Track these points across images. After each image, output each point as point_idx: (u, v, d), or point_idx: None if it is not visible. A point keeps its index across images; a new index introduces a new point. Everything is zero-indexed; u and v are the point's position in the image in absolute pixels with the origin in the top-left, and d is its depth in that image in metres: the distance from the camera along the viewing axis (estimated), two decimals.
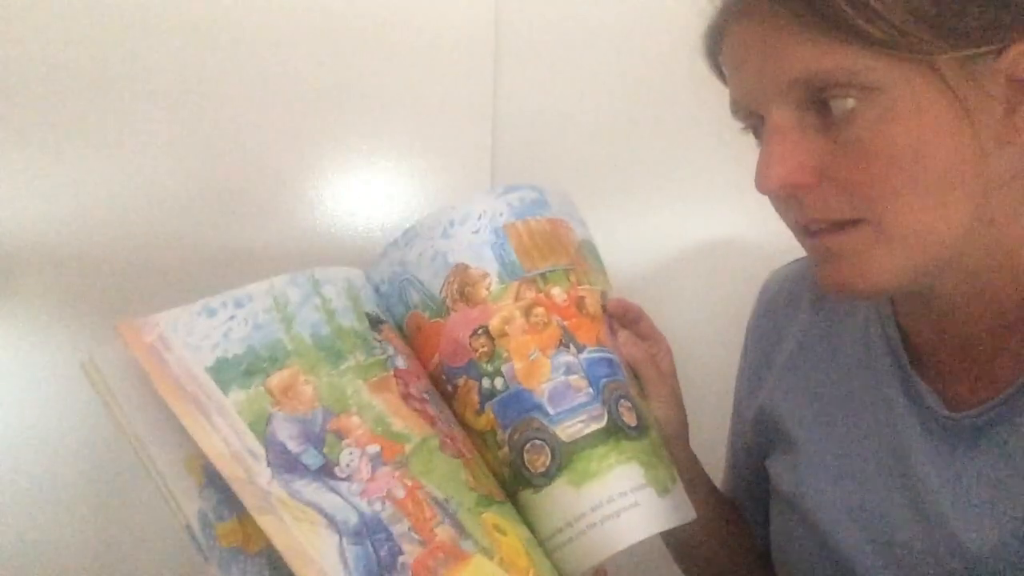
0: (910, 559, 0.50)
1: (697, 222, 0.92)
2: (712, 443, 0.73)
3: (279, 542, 0.40)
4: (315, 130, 0.81)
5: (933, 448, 0.50)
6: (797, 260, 0.67)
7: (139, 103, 0.77)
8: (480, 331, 0.54)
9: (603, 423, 0.52)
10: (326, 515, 0.43)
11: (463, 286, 0.54)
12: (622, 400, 0.54)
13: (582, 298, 0.56)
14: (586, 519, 0.50)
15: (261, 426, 0.45)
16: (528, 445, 0.52)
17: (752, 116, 0.49)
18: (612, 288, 0.62)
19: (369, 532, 0.43)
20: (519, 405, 0.52)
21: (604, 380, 0.54)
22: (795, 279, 0.66)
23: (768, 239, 0.86)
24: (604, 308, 0.59)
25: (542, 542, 0.51)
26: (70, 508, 0.77)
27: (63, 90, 0.75)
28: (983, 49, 0.41)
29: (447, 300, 0.54)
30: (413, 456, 0.49)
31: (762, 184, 0.46)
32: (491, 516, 0.50)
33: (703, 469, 0.67)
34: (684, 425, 0.63)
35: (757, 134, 0.50)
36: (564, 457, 0.51)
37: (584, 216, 0.63)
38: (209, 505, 0.44)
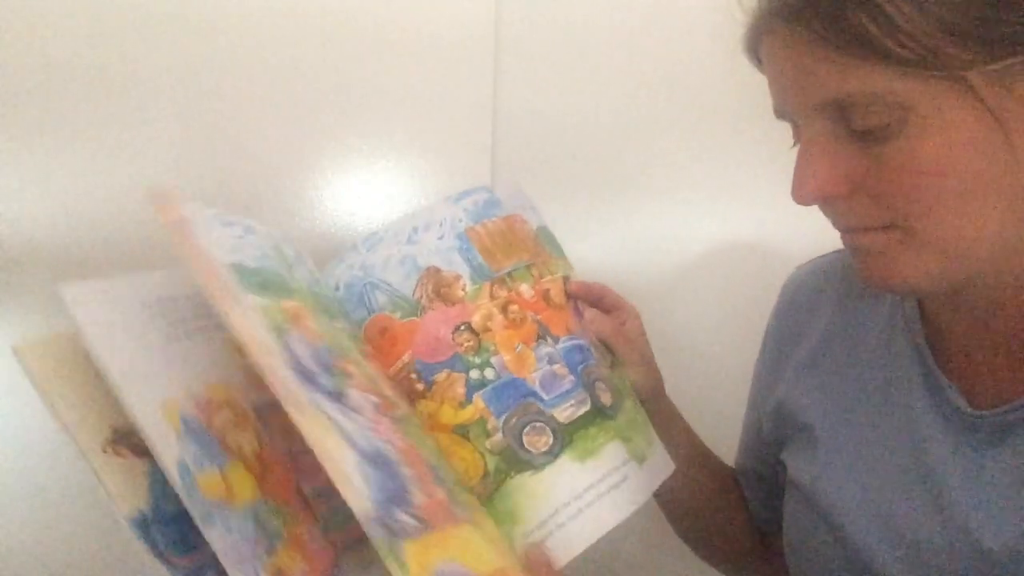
0: (926, 555, 0.50)
1: (697, 222, 0.92)
2: (730, 441, 0.74)
3: (313, 439, 0.36)
4: (315, 130, 0.81)
5: (955, 445, 0.50)
6: (821, 256, 0.67)
7: (139, 103, 0.76)
8: (463, 327, 0.55)
9: (588, 406, 0.55)
10: (344, 431, 0.39)
11: (438, 286, 0.56)
12: (597, 383, 0.57)
13: (547, 290, 0.59)
14: (595, 489, 0.52)
15: (279, 336, 0.41)
16: (528, 428, 0.53)
17: (792, 122, 0.50)
18: (573, 269, 0.64)
19: (383, 464, 0.40)
20: (515, 391, 0.54)
21: (580, 366, 0.57)
22: (819, 274, 0.66)
23: (774, 238, 0.91)
24: (567, 293, 0.62)
25: (543, 522, 0.51)
26: (70, 508, 0.76)
27: (63, 90, 0.74)
28: (1018, 58, 0.39)
29: (422, 300, 0.56)
30: (403, 420, 0.47)
31: (798, 195, 0.47)
32: (467, 496, 0.48)
33: (686, 424, 0.69)
34: (659, 382, 0.65)
35: (798, 139, 0.49)
36: (565, 437, 0.53)
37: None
38: (189, 455, 0.39)
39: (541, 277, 0.60)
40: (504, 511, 0.52)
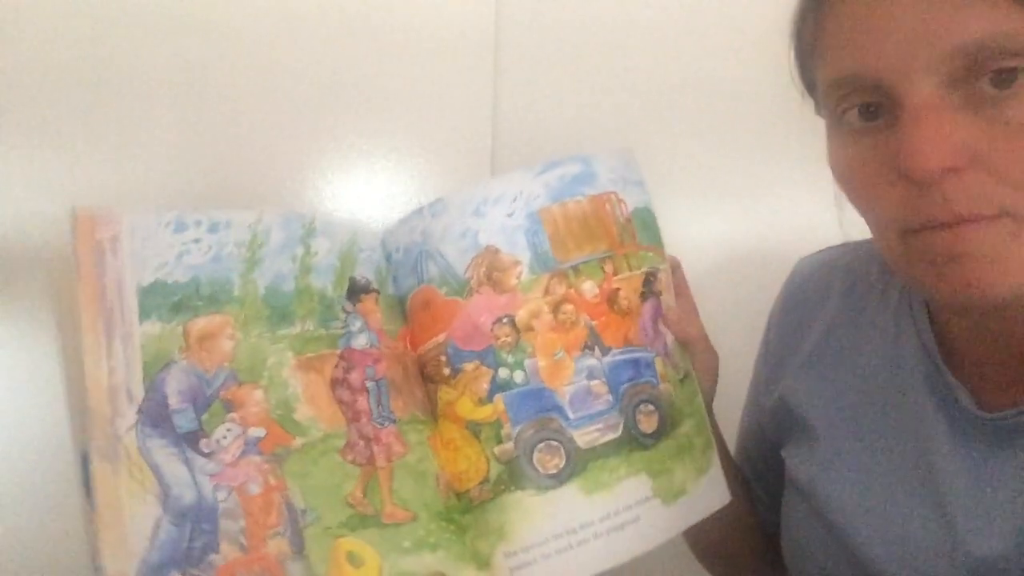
0: (923, 557, 0.50)
1: (698, 222, 0.91)
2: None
3: (100, 493, 0.40)
4: (315, 130, 0.82)
5: (960, 447, 0.49)
6: (827, 248, 0.65)
7: (139, 103, 0.77)
8: (505, 320, 0.52)
9: (618, 433, 0.52)
10: (163, 484, 0.42)
11: (492, 270, 0.53)
12: (642, 405, 0.54)
13: (616, 291, 0.55)
14: (592, 528, 0.50)
15: (156, 368, 0.44)
16: (542, 444, 0.51)
17: (875, 93, 0.43)
18: (666, 263, 0.60)
19: (195, 518, 0.43)
20: (539, 403, 0.52)
21: (625, 385, 0.53)
22: (825, 267, 0.64)
23: (776, 239, 0.89)
24: (650, 291, 0.57)
25: (527, 548, 0.50)
26: (70, 508, 0.88)
27: (63, 90, 0.75)
28: None
29: (472, 281, 0.53)
30: (297, 454, 0.48)
31: (920, 168, 0.40)
32: (350, 542, 0.48)
33: (723, 439, 0.67)
34: (713, 396, 0.63)
35: (867, 114, 0.44)
36: (579, 463, 0.51)
37: None
38: None
39: (615, 274, 0.55)
40: (494, 524, 0.52)
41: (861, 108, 0.44)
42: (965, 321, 0.51)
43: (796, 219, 0.87)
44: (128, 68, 0.78)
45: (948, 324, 0.53)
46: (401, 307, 0.57)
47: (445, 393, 0.54)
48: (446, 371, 0.53)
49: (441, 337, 0.54)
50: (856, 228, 0.51)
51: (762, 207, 0.90)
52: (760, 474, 0.70)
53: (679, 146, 0.89)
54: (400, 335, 0.56)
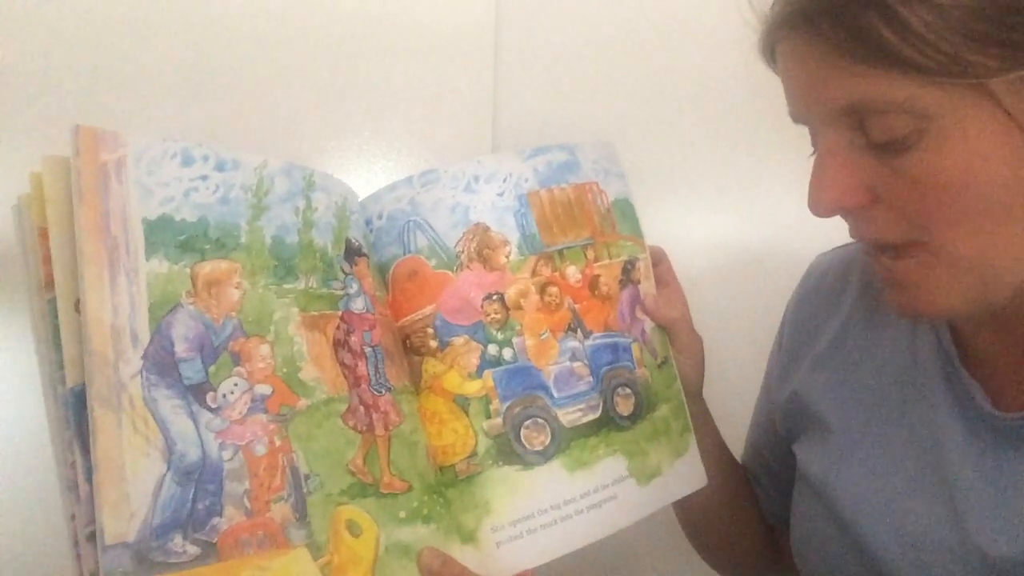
0: (934, 555, 0.49)
1: (698, 222, 0.92)
2: (742, 438, 0.74)
3: (100, 445, 0.36)
4: (315, 129, 0.81)
5: (974, 446, 0.49)
6: (844, 245, 0.65)
7: (138, 101, 0.76)
8: (495, 297, 0.53)
9: (597, 413, 0.53)
10: (168, 439, 0.38)
11: (482, 247, 0.53)
12: (619, 388, 0.55)
13: (597, 277, 0.56)
14: (574, 504, 0.51)
15: (162, 311, 0.40)
16: (529, 422, 0.52)
17: (810, 127, 0.48)
18: (645, 252, 0.61)
19: (200, 478, 0.39)
20: (527, 380, 0.52)
21: (605, 368, 0.55)
22: (843, 264, 0.65)
23: (778, 239, 0.90)
24: (629, 279, 0.59)
25: (514, 522, 0.50)
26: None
27: (63, 89, 0.74)
28: None
29: (462, 255, 0.53)
30: (302, 415, 0.45)
31: (814, 206, 0.45)
32: (350, 510, 0.46)
33: (714, 426, 0.68)
34: (701, 379, 0.64)
35: (816, 145, 0.48)
36: (563, 441, 0.52)
37: None
38: None
39: (596, 260, 0.57)
40: (480, 498, 0.51)
41: (811, 138, 0.49)
42: (981, 322, 0.52)
43: (792, 218, 0.86)
44: (127, 68, 0.76)
45: (966, 324, 0.53)
46: (381, 275, 0.55)
47: (432, 365, 0.53)
48: (433, 343, 0.53)
49: (428, 309, 0.53)
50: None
51: (758, 205, 0.90)
52: (770, 468, 0.69)
53: (677, 145, 0.89)
54: (383, 303, 0.54)
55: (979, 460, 0.48)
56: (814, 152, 0.48)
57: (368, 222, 0.55)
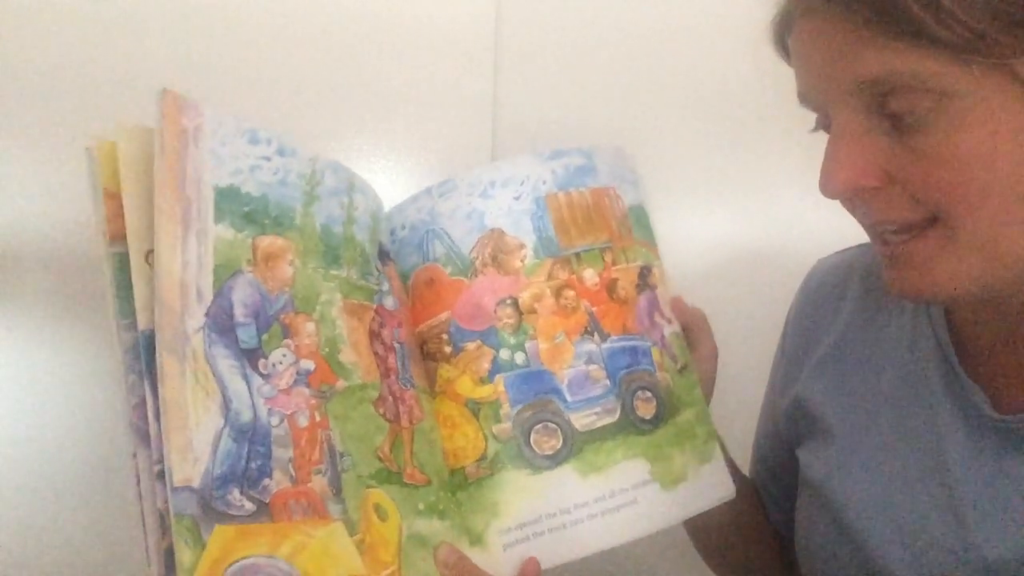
0: (936, 558, 0.49)
1: (699, 222, 0.91)
2: (748, 442, 0.74)
3: (168, 389, 0.36)
4: (315, 130, 0.81)
5: (975, 449, 0.49)
6: (845, 250, 0.65)
7: (139, 102, 0.76)
8: (508, 301, 0.53)
9: (615, 417, 0.52)
10: (225, 396, 0.39)
11: (497, 252, 0.53)
12: (639, 392, 0.54)
13: (615, 280, 0.56)
14: (586, 509, 0.50)
15: (225, 274, 0.41)
16: (540, 426, 0.51)
17: (821, 110, 0.47)
18: (659, 260, 0.61)
19: (252, 439, 0.39)
20: (538, 385, 0.52)
21: (623, 372, 0.54)
22: (842, 268, 0.65)
23: (781, 239, 0.88)
24: (646, 284, 0.58)
25: (522, 525, 0.50)
26: (70, 508, 0.76)
27: (63, 90, 0.74)
28: None
29: (476, 261, 0.53)
30: (340, 396, 0.46)
31: (826, 186, 0.44)
32: (378, 494, 0.46)
33: (721, 440, 0.68)
34: (711, 392, 0.63)
35: (826, 128, 0.47)
36: (576, 445, 0.51)
37: None
38: None
39: (614, 264, 0.56)
40: (489, 501, 0.51)
41: (819, 121, 0.48)
42: (982, 323, 0.52)
43: (796, 219, 0.86)
44: (128, 68, 0.76)
45: (965, 325, 0.53)
46: (403, 283, 0.56)
47: (445, 371, 0.54)
48: (447, 349, 0.53)
49: (444, 315, 0.54)
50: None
51: (762, 206, 0.89)
52: (776, 475, 0.69)
53: (678, 145, 0.88)
54: (407, 308, 0.56)
55: (979, 462, 0.49)
56: (816, 128, 0.48)
57: (392, 232, 0.57)
